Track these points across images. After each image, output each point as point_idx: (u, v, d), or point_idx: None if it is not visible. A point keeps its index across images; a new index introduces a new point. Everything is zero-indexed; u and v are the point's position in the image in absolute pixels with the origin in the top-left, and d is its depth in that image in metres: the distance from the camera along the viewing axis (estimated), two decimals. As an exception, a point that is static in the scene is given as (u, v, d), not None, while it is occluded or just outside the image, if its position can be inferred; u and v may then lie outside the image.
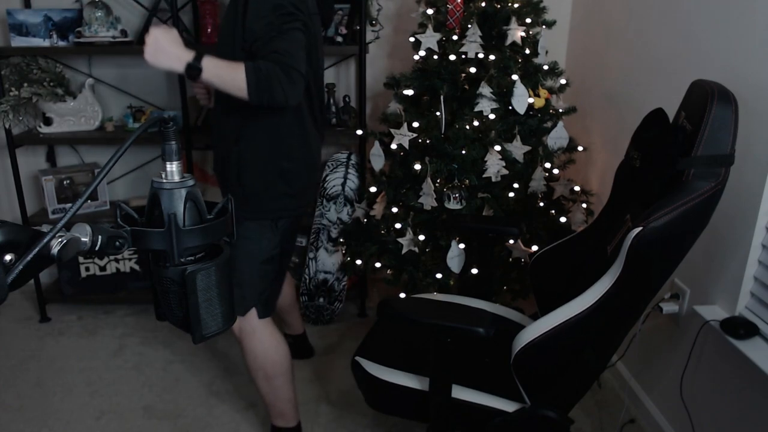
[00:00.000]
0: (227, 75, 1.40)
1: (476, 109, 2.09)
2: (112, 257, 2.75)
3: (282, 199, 1.65)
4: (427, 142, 2.18)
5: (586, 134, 2.51)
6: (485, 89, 2.08)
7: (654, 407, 1.97)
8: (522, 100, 2.11)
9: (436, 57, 2.19)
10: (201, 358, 2.42)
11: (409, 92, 2.26)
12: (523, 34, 2.14)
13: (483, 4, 2.14)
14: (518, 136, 2.12)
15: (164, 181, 0.70)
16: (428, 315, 1.40)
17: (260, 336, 1.73)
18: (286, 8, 1.40)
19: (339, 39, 2.48)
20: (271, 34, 1.39)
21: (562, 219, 2.23)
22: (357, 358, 1.54)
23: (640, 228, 1.15)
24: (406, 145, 2.18)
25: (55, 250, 0.59)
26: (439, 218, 2.17)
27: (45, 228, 0.61)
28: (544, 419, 1.34)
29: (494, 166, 2.09)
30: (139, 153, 2.82)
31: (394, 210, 2.25)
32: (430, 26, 2.15)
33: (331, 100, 2.60)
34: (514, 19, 2.10)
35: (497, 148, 2.09)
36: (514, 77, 2.10)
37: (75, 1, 2.53)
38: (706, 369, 1.69)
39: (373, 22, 2.60)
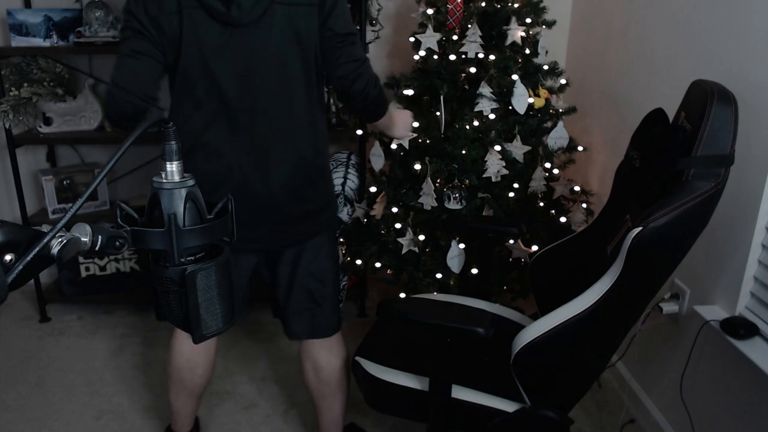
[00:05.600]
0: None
1: (476, 109, 2.09)
2: (112, 257, 2.75)
3: None
4: (427, 142, 2.18)
5: (586, 134, 2.51)
6: (485, 89, 2.08)
7: (654, 407, 1.97)
8: (522, 100, 2.11)
9: (436, 57, 2.19)
10: (201, 358, 2.42)
11: (409, 92, 2.26)
12: (523, 34, 2.14)
13: (483, 4, 2.14)
14: (518, 136, 2.12)
15: (164, 181, 0.70)
16: (428, 315, 1.40)
17: (171, 341, 1.76)
18: (124, 17, 1.39)
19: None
20: None
21: (562, 219, 2.23)
22: (357, 358, 1.54)
23: (639, 228, 1.15)
24: (406, 145, 2.18)
25: (55, 250, 0.59)
26: (439, 218, 2.17)
27: (45, 228, 0.61)
28: (544, 419, 1.34)
29: (494, 166, 2.09)
30: (139, 153, 2.81)
31: (394, 210, 2.25)
32: (430, 26, 2.15)
33: (332, 100, 2.60)
34: (514, 19, 2.10)
35: (497, 148, 2.09)
36: (514, 77, 2.10)
37: (75, 1, 2.53)
38: (706, 369, 1.69)
39: (373, 22, 2.59)
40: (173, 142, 0.70)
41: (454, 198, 2.11)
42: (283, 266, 1.60)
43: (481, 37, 2.10)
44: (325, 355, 1.70)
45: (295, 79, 1.43)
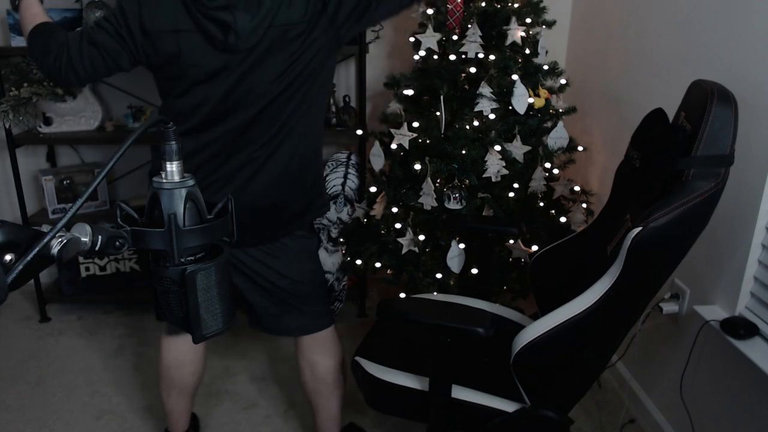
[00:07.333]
0: (23, 27, 1.50)
1: (476, 109, 2.09)
2: (112, 257, 2.75)
3: None
4: (427, 142, 2.18)
5: (586, 134, 2.51)
6: (485, 89, 2.08)
7: (654, 407, 1.97)
8: (522, 100, 2.11)
9: (436, 57, 2.19)
10: (201, 358, 2.42)
11: (409, 92, 2.26)
12: (523, 34, 2.14)
13: (483, 4, 2.14)
14: (518, 136, 2.12)
15: (164, 181, 0.70)
16: (428, 315, 1.39)
17: (161, 339, 1.77)
18: (115, 11, 1.42)
19: (339, 39, 2.48)
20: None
21: (562, 219, 2.23)
22: (357, 358, 1.54)
23: (639, 228, 1.15)
24: (406, 145, 2.18)
25: (55, 250, 0.59)
26: (439, 218, 2.17)
27: (45, 228, 0.61)
28: (544, 419, 1.34)
29: (494, 166, 2.09)
30: (139, 153, 2.81)
31: (394, 210, 2.25)
32: (430, 26, 2.15)
33: (331, 100, 2.60)
34: (514, 19, 2.10)
35: (497, 148, 2.09)
36: (514, 77, 2.10)
37: (75, 1, 2.53)
38: (706, 369, 1.69)
39: (373, 21, 2.59)
40: (173, 142, 0.70)
41: (454, 198, 2.11)
42: (259, 270, 1.59)
43: (481, 37, 2.10)
44: (320, 354, 1.71)
45: (293, 101, 1.43)
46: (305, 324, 1.68)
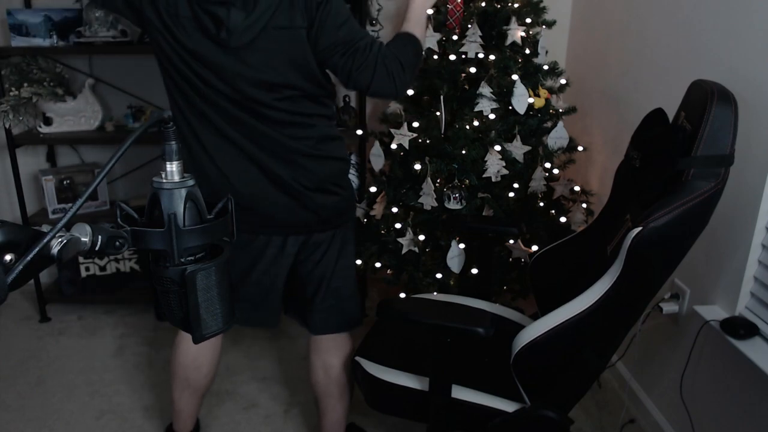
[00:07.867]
0: None
1: (476, 109, 2.09)
2: (112, 257, 2.75)
3: None
4: (427, 142, 2.18)
5: (586, 134, 2.51)
6: (485, 89, 2.08)
7: (654, 407, 1.97)
8: (522, 100, 2.11)
9: (436, 57, 2.19)
10: (201, 358, 2.42)
11: (409, 92, 2.26)
12: (523, 34, 2.14)
13: (483, 4, 2.14)
14: (518, 136, 2.12)
15: (164, 181, 0.70)
16: (428, 315, 1.40)
17: (177, 339, 1.78)
18: None
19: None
20: None
21: (562, 219, 2.23)
22: (357, 358, 1.54)
23: (639, 228, 1.15)
24: (406, 145, 2.18)
25: (55, 250, 0.59)
26: (439, 218, 2.17)
27: (45, 228, 0.61)
28: (543, 419, 1.34)
29: (494, 166, 2.09)
30: (139, 153, 2.81)
31: (394, 210, 2.25)
32: (430, 26, 2.15)
33: (331, 100, 2.60)
34: (514, 19, 2.10)
35: (497, 148, 2.09)
36: (514, 77, 2.10)
37: (75, 1, 2.53)
38: (706, 369, 1.69)
39: (373, 21, 2.59)
40: (173, 142, 0.70)
41: (454, 198, 2.11)
42: (310, 262, 1.61)
43: (481, 37, 2.11)
44: (336, 355, 1.71)
45: (287, 101, 1.43)
46: (338, 322, 1.68)
